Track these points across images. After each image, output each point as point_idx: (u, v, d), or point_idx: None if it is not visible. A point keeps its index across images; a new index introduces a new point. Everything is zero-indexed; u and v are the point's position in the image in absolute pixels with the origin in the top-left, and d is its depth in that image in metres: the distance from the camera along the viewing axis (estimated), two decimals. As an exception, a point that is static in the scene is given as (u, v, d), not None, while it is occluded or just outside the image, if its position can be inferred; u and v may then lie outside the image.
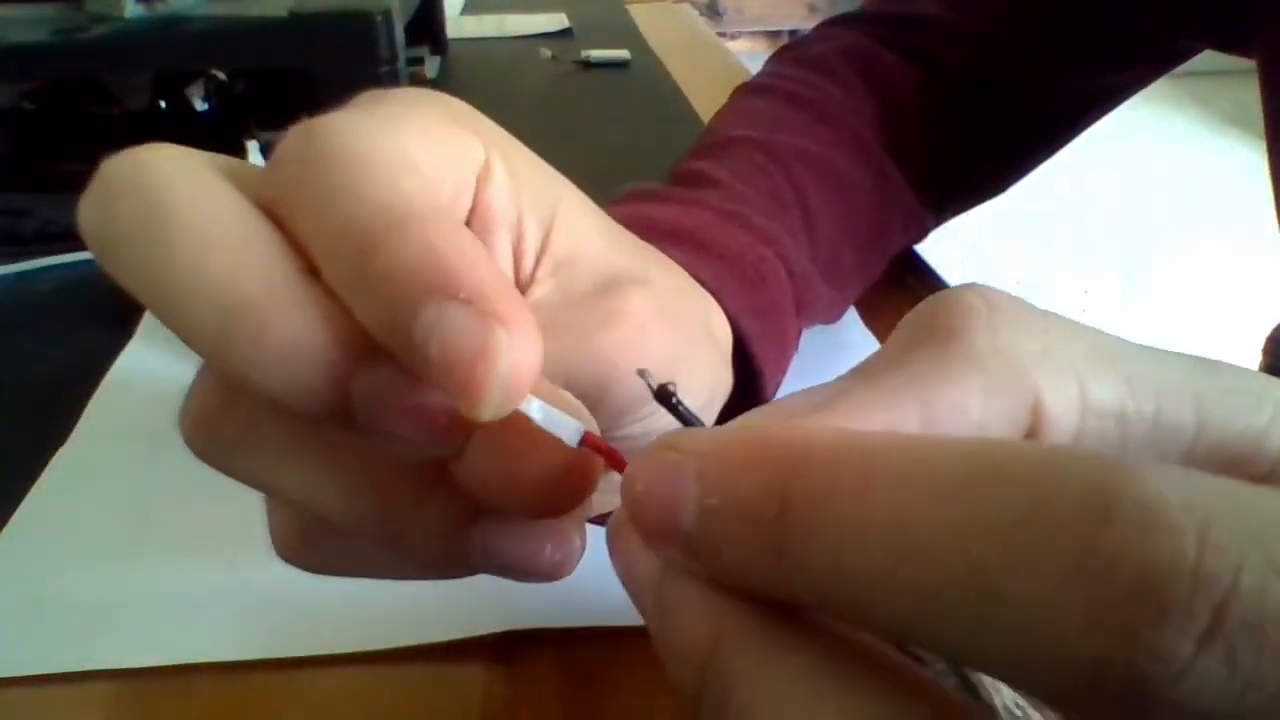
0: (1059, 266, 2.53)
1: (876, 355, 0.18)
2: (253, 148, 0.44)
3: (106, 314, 0.48)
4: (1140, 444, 0.16)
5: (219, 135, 0.62)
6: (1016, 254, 2.57)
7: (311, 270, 0.18)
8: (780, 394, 0.33)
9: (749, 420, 0.17)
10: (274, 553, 0.22)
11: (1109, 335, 0.17)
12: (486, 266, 0.17)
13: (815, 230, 0.39)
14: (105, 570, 0.32)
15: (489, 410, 0.16)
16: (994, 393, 0.16)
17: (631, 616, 0.17)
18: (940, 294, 0.18)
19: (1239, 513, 0.11)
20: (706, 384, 0.26)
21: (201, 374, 0.20)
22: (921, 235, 0.51)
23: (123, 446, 0.38)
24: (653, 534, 0.15)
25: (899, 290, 0.49)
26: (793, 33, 3.77)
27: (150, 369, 0.43)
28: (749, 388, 0.30)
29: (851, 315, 0.46)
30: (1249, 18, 0.42)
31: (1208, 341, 2.19)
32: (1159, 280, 2.46)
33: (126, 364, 0.43)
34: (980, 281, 0.18)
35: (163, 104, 0.66)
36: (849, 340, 0.45)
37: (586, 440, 0.18)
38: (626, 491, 0.16)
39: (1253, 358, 0.55)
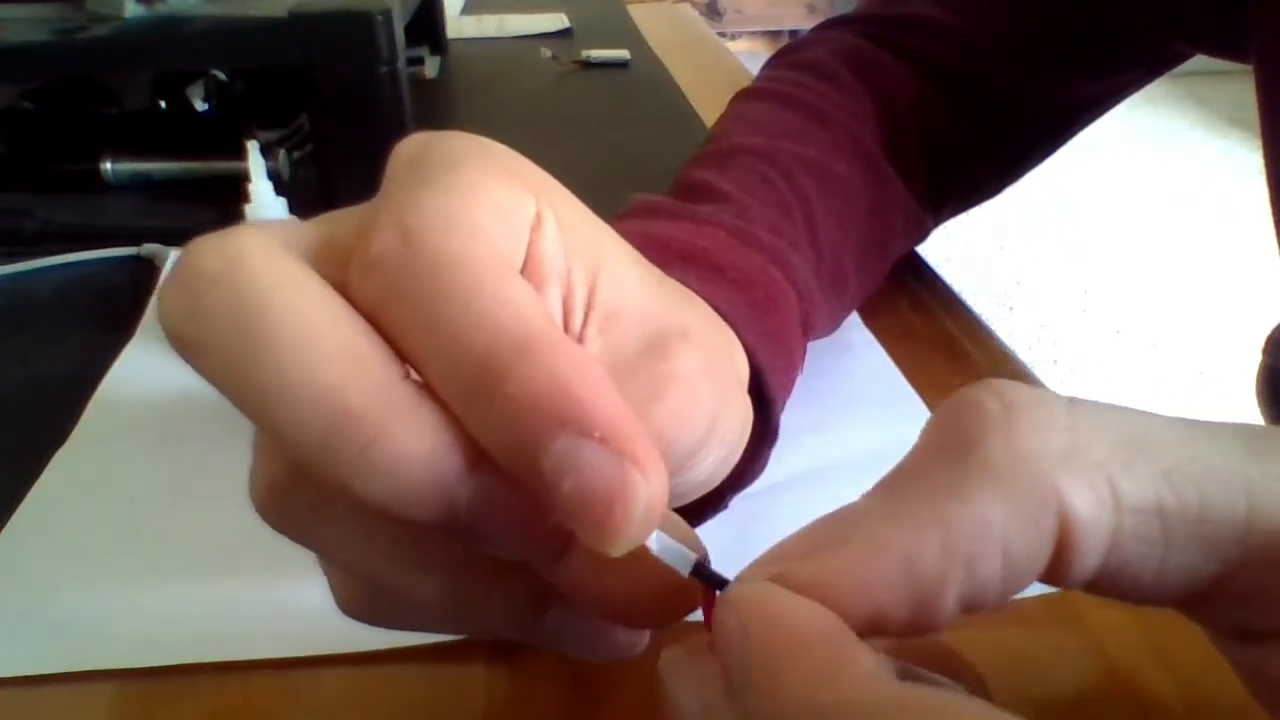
0: (1059, 266, 2.53)
1: (898, 468, 0.18)
2: (253, 147, 0.44)
3: (106, 314, 0.48)
4: (1186, 539, 0.16)
5: (219, 135, 0.62)
6: (1016, 254, 2.57)
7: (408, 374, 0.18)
8: (786, 410, 0.33)
9: (776, 553, 0.17)
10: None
11: (1147, 417, 0.17)
12: (614, 399, 0.17)
13: (819, 240, 0.39)
14: (105, 570, 0.32)
15: (618, 549, 0.16)
16: (1014, 504, 0.16)
17: (631, 617, 0.17)
18: (959, 395, 0.17)
19: None
20: (739, 428, 0.26)
21: (264, 448, 0.20)
22: (921, 238, 0.51)
23: (122, 447, 0.38)
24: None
25: (899, 290, 0.49)
26: (793, 33, 3.77)
27: (150, 369, 0.43)
28: (762, 413, 0.30)
29: (853, 315, 0.46)
30: (1244, 23, 0.42)
31: (1208, 341, 2.19)
32: (1159, 280, 2.46)
33: (126, 364, 0.43)
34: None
35: (163, 104, 0.66)
36: (849, 340, 0.45)
37: (696, 570, 0.18)
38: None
39: (1252, 358, 0.55)
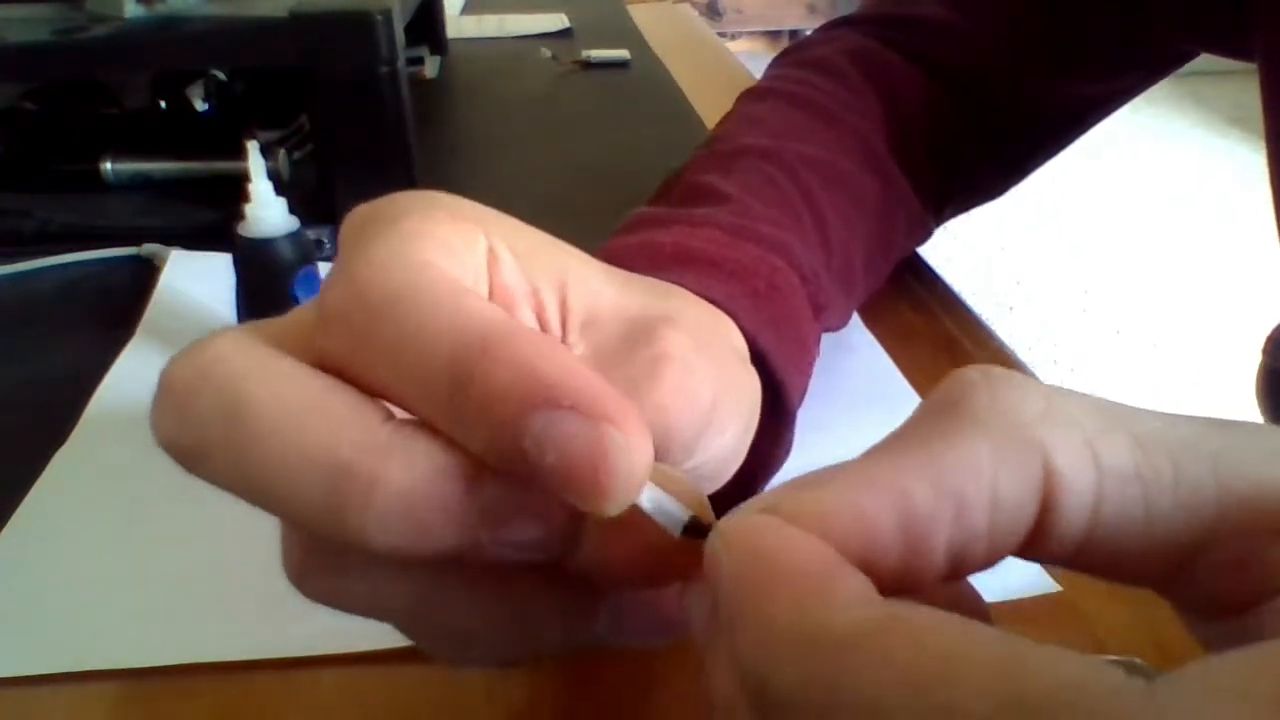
0: (1059, 266, 2.53)
1: (889, 435, 0.18)
2: (253, 147, 0.44)
3: (106, 314, 0.48)
4: (1167, 509, 0.16)
5: (219, 135, 0.62)
6: (1016, 254, 2.57)
7: (392, 417, 0.18)
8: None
9: (772, 497, 0.17)
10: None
11: (1114, 401, 0.17)
12: (578, 368, 0.17)
13: (828, 237, 0.38)
14: (105, 570, 0.32)
15: (614, 507, 0.17)
16: (1001, 449, 0.16)
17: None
18: (945, 379, 0.18)
19: None
20: (748, 400, 0.26)
21: (287, 528, 0.20)
22: (924, 238, 0.51)
23: (122, 447, 0.38)
24: None
25: (899, 291, 0.49)
26: (793, 33, 3.77)
27: (150, 369, 0.42)
28: (773, 400, 0.30)
29: (852, 316, 0.46)
30: (1248, 23, 0.42)
31: (1208, 341, 2.19)
32: (1158, 280, 2.46)
33: (126, 364, 0.43)
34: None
35: (163, 104, 0.66)
36: (850, 341, 0.45)
37: (690, 528, 0.19)
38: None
39: (1252, 358, 0.55)
